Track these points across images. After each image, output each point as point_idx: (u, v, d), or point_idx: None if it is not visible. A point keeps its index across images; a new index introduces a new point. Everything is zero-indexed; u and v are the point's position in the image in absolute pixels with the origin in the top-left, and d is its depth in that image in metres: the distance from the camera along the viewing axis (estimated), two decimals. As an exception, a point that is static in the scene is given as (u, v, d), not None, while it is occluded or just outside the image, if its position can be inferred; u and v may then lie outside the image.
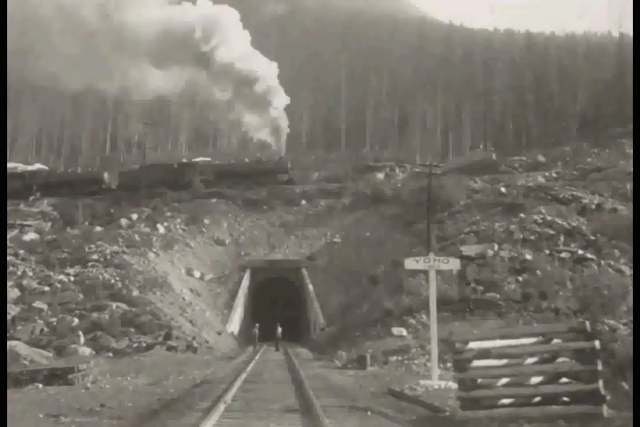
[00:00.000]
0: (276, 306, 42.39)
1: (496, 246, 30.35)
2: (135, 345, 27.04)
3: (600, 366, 8.89)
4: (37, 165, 66.41)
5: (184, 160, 62.60)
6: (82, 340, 26.66)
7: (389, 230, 43.92)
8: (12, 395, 13.27)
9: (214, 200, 51.55)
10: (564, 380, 9.23)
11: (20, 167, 63.23)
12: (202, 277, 42.12)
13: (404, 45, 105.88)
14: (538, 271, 27.25)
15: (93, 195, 53.36)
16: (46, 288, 32.07)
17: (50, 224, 47.16)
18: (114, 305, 30.40)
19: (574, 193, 37.71)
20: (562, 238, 30.48)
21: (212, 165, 58.50)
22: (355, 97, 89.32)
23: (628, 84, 54.03)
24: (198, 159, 61.86)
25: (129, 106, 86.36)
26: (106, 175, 57.99)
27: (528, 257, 28.87)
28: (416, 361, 20.66)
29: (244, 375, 16.78)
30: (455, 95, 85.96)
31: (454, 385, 11.99)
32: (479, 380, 9.58)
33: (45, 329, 27.81)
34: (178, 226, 47.20)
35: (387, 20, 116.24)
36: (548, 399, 9.23)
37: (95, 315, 29.14)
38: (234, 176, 54.69)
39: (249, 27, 75.03)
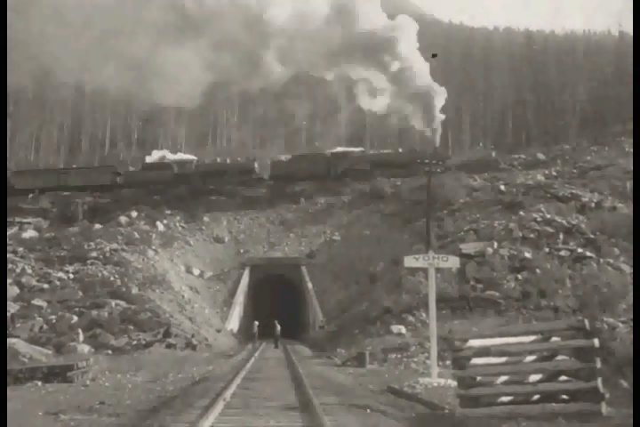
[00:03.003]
0: (276, 304, 42.40)
1: (495, 244, 30.36)
2: (134, 343, 27.06)
3: (599, 364, 8.89)
4: (180, 155, 64.29)
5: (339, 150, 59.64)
6: (81, 337, 26.68)
7: (389, 228, 43.91)
8: (12, 392, 13.27)
9: (214, 197, 51.54)
10: (563, 378, 9.24)
11: (168, 156, 61.84)
12: (201, 275, 42.15)
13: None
14: (537, 269, 27.27)
15: (244, 185, 52.38)
16: (45, 286, 32.06)
17: (49, 222, 47.15)
18: (113, 303, 30.40)
19: (574, 191, 37.70)
20: (561, 236, 30.49)
21: (366, 155, 56.70)
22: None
23: (627, 82, 54.00)
24: (351, 149, 59.23)
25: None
26: (256, 165, 56.47)
27: (527, 255, 28.88)
28: (415, 359, 20.69)
29: (243, 373, 16.78)
30: (455, 93, 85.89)
31: (453, 383, 12.01)
32: (478, 378, 9.58)
33: (45, 327, 27.83)
34: (177, 224, 47.22)
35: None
36: (547, 397, 9.24)
37: (94, 312, 29.13)
38: (389, 166, 52.75)
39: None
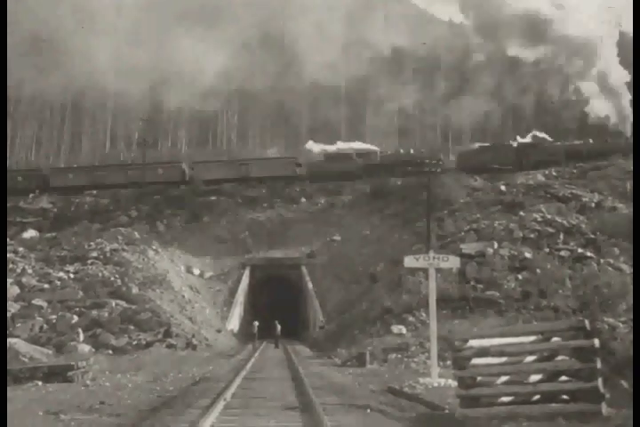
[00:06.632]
0: (276, 304, 42.37)
1: (496, 244, 30.35)
2: (135, 342, 27.09)
3: (599, 365, 8.89)
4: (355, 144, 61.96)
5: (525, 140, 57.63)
6: (81, 337, 26.70)
7: (389, 228, 43.89)
8: (12, 392, 13.27)
9: (214, 198, 51.48)
10: (564, 378, 9.24)
11: (341, 146, 60.14)
12: (201, 275, 42.15)
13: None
14: (537, 270, 27.27)
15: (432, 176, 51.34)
16: (46, 286, 32.07)
17: (49, 221, 47.14)
18: (113, 302, 30.42)
19: (574, 191, 37.72)
20: (561, 237, 30.48)
21: (558, 146, 53.35)
22: (354, 93, 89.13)
23: (627, 82, 53.99)
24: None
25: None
26: (442, 156, 54.81)
27: (528, 255, 28.87)
28: (415, 359, 20.70)
29: (243, 373, 16.79)
30: (455, 93, 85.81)
31: (454, 383, 12.02)
32: (478, 378, 9.58)
33: (45, 326, 27.84)
34: (177, 223, 47.20)
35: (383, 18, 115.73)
36: (548, 397, 9.24)
37: (95, 312, 29.15)
38: (581, 157, 48.95)
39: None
